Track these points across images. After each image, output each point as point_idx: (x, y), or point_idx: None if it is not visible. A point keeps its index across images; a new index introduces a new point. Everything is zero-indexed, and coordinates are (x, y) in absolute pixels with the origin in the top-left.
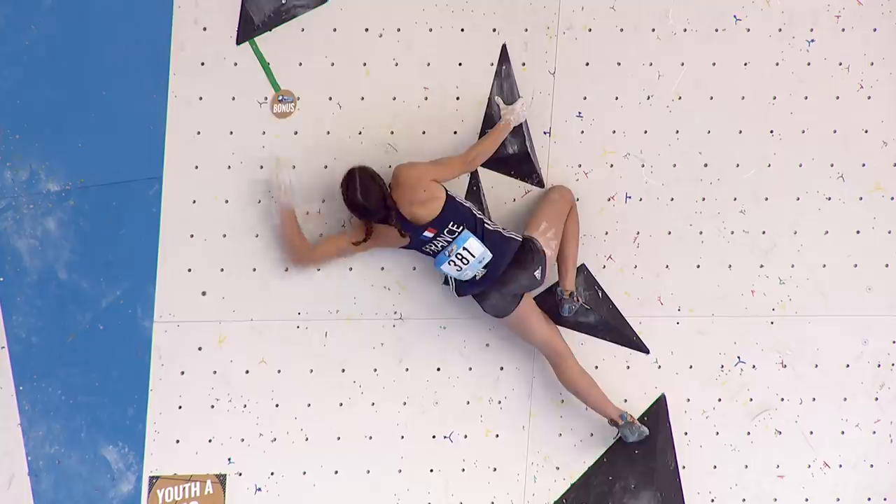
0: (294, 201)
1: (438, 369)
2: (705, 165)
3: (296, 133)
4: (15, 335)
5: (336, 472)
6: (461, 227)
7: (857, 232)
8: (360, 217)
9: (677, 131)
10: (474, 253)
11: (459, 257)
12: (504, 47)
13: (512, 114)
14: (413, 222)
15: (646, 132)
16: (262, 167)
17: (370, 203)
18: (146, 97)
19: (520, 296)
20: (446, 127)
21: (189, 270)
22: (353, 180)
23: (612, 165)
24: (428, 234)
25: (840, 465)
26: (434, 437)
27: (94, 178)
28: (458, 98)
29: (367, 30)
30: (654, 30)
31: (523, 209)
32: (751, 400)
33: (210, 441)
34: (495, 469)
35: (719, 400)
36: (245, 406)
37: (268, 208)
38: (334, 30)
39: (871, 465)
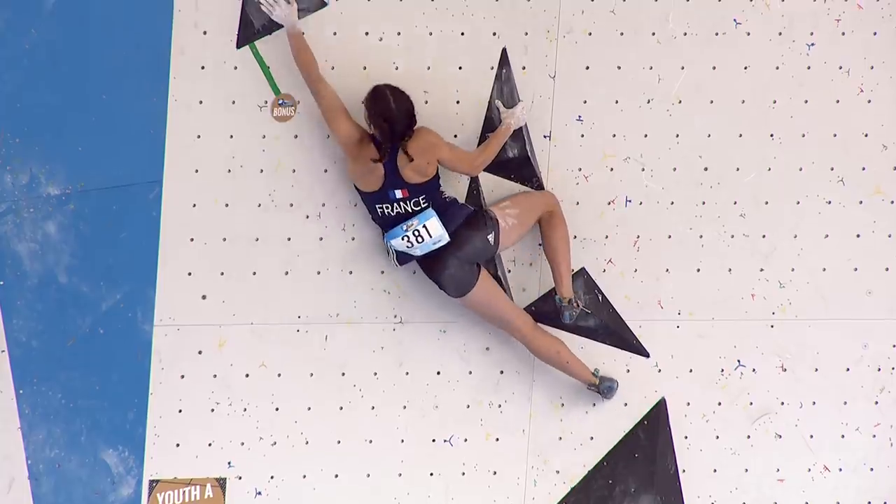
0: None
1: (438, 373)
2: (705, 169)
3: (296, 137)
4: (15, 339)
5: (336, 476)
6: (427, 204)
7: (858, 235)
8: (387, 130)
9: (677, 135)
10: (432, 233)
11: (416, 234)
12: (504, 51)
13: (512, 117)
14: (399, 174)
15: (646, 136)
16: (262, 171)
17: (401, 112)
18: (146, 101)
19: (477, 267)
20: (447, 131)
21: (189, 274)
22: (383, 93)
23: (612, 169)
24: (398, 193)
25: (840, 469)
26: (434, 440)
27: (94, 182)
28: (458, 102)
29: (366, 33)
30: (654, 33)
31: None
32: (751, 404)
33: (210, 445)
34: (495, 473)
35: (719, 404)
36: (245, 410)
37: (268, 210)
38: (334, 33)
39: (872, 469)
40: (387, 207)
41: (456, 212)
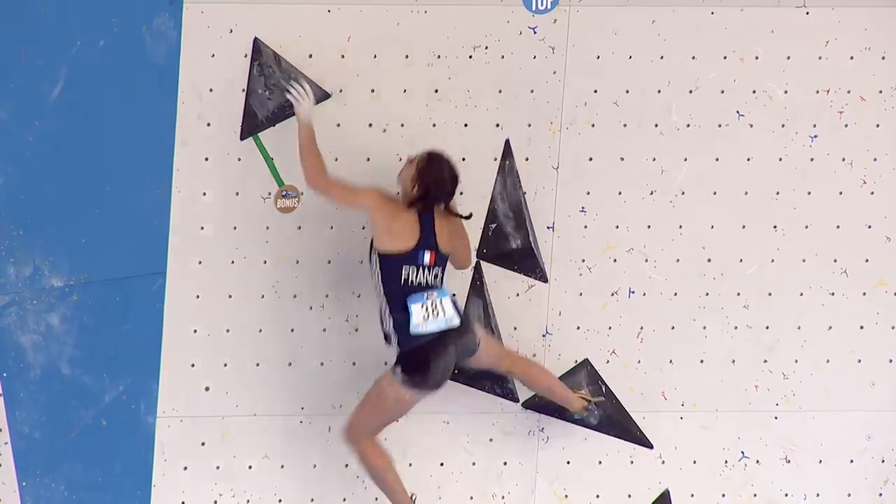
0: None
1: (442, 464)
2: (709, 260)
3: (299, 228)
4: (18, 431)
5: None
6: (441, 283)
7: (861, 327)
8: (433, 194)
9: (680, 226)
10: (447, 311)
11: (434, 306)
12: (507, 142)
13: None
14: (435, 238)
15: (649, 227)
16: (265, 262)
17: (451, 181)
18: (150, 192)
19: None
20: None
21: (192, 365)
22: (439, 159)
23: (615, 260)
24: (426, 257)
25: None
26: None
27: (97, 274)
28: (461, 193)
29: (370, 125)
30: (657, 125)
31: (525, 304)
32: (755, 495)
33: None
34: None
35: (723, 495)
36: (248, 501)
37: (271, 301)
38: (338, 125)
39: None
40: (412, 271)
41: (456, 303)
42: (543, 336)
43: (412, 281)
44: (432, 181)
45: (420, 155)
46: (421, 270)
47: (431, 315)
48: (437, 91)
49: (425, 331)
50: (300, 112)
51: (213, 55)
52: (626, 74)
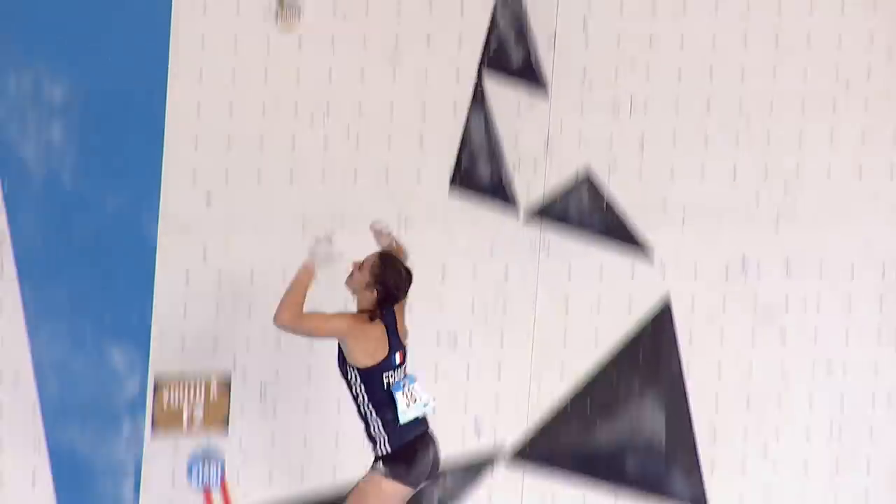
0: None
1: (443, 277)
2: (711, 71)
3: (300, 43)
4: (20, 240)
5: None
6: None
7: (863, 138)
8: (392, 296)
9: (682, 37)
10: (421, 396)
11: (411, 392)
12: None
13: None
14: (398, 336)
15: (651, 39)
16: (266, 76)
17: (408, 281)
18: (151, 6)
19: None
20: (450, 33)
21: (194, 178)
22: (393, 263)
23: (617, 71)
24: (398, 358)
25: (843, 368)
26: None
27: (98, 86)
28: (461, 12)
29: None
30: None
31: (527, 116)
32: (755, 304)
33: (215, 343)
34: (500, 371)
35: (724, 304)
36: (250, 306)
37: (271, 114)
38: None
39: (875, 370)
40: (391, 374)
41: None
42: (545, 148)
43: (391, 383)
44: (392, 283)
45: (371, 260)
46: (396, 370)
47: (412, 399)
48: None
49: (409, 418)
50: (312, 255)
51: None
52: None
